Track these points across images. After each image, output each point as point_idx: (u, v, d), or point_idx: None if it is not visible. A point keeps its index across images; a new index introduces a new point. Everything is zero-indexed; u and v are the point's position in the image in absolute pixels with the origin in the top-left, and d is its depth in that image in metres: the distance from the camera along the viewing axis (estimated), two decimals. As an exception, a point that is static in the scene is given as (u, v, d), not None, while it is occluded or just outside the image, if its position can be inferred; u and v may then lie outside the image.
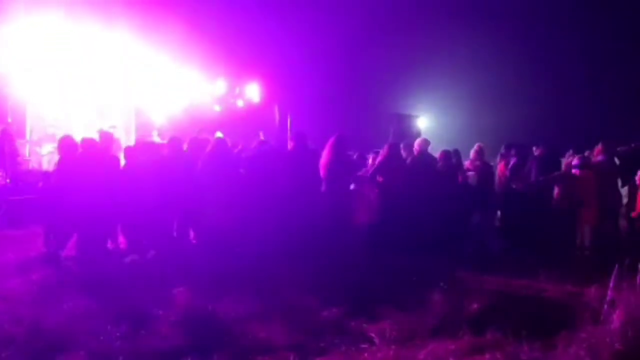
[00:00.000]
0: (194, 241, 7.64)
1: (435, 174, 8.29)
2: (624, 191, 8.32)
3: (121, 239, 7.45)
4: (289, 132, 13.31)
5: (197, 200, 7.16)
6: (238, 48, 17.18)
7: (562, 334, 3.93)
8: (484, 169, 8.83)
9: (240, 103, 15.92)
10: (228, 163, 7.53)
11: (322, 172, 7.61)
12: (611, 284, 4.18)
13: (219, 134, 9.98)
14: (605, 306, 4.08)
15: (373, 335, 4.03)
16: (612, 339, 3.75)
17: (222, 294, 5.31)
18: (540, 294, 5.46)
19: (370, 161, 9.15)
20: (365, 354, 3.75)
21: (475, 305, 4.93)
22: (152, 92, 13.80)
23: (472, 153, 9.01)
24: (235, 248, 7.17)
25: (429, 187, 7.96)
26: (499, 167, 9.02)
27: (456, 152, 9.18)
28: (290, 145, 7.98)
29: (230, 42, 16.97)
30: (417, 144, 8.72)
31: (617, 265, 4.27)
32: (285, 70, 19.02)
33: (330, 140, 7.78)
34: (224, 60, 15.95)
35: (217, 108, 15.57)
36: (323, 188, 7.65)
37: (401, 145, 8.67)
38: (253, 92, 15.97)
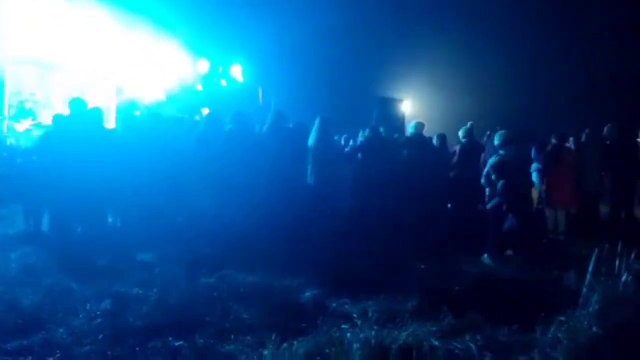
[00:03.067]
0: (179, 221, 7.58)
1: (431, 158, 8.34)
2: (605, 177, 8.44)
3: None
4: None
5: (185, 179, 7.08)
6: (222, 28, 16.97)
7: (541, 317, 3.97)
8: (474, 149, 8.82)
9: (223, 83, 15.77)
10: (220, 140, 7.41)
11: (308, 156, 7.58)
12: (590, 269, 4.23)
13: (206, 111, 9.86)
14: (585, 290, 4.13)
15: (355, 316, 4.04)
16: (590, 322, 3.80)
17: (203, 274, 5.30)
18: (520, 277, 5.52)
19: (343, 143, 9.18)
20: (347, 335, 3.75)
21: (456, 288, 4.99)
22: (133, 71, 13.59)
23: (461, 132, 9.00)
24: (218, 228, 7.12)
25: (422, 169, 8.00)
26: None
27: (441, 136, 9.22)
28: (266, 124, 7.88)
29: (214, 22, 16.74)
30: (411, 126, 8.77)
31: (596, 250, 4.32)
32: (269, 52, 18.84)
33: (316, 122, 7.73)
34: (207, 40, 15.76)
35: (200, 88, 15.40)
36: (308, 170, 7.62)
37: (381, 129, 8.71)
38: (237, 72, 15.82)
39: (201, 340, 3.76)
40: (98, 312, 4.34)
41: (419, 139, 8.62)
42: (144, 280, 5.10)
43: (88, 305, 4.47)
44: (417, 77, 21.55)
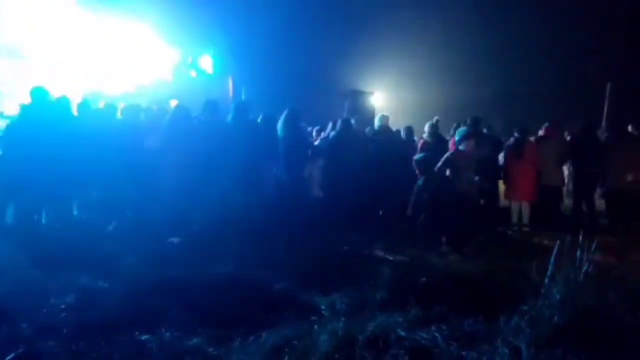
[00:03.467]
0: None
1: (398, 149, 8.42)
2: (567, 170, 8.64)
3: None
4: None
5: (152, 171, 6.99)
6: (191, 18, 16.72)
7: (504, 307, 4.06)
8: (438, 144, 8.94)
9: (193, 73, 15.56)
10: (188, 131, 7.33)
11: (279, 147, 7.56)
12: (552, 260, 4.33)
13: (174, 102, 9.71)
14: (546, 281, 4.23)
15: (323, 307, 4.06)
16: (552, 312, 3.90)
17: (170, 267, 5.25)
18: (484, 268, 5.62)
19: (314, 135, 9.17)
20: (315, 326, 3.77)
21: (422, 279, 5.05)
22: (100, 61, 13.29)
23: (427, 127, 9.10)
24: (186, 219, 7.07)
25: (390, 161, 8.07)
26: (450, 144, 9.18)
27: (408, 129, 9.32)
28: (229, 116, 7.83)
29: (184, 12, 16.49)
30: (378, 119, 8.83)
31: (558, 241, 4.42)
32: (240, 42, 18.67)
33: (284, 115, 7.71)
34: (176, 30, 15.51)
35: (170, 78, 15.17)
36: (279, 163, 7.60)
37: (353, 121, 8.74)
38: (206, 63, 15.63)
39: (167, 334, 3.73)
40: (62, 307, 4.26)
41: (384, 131, 8.69)
42: (111, 273, 5.03)
43: (52, 299, 4.40)
44: (387, 69, 21.67)
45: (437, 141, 8.81)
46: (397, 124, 9.99)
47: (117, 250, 5.91)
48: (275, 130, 7.59)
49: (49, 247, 6.04)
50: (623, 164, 7.71)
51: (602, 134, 8.78)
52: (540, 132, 8.81)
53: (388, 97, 18.70)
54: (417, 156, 7.36)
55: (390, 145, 8.39)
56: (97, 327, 3.88)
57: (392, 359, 3.42)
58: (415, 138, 9.75)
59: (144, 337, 3.69)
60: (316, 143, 8.74)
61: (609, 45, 22.26)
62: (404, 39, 23.04)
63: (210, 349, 3.55)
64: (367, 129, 9.15)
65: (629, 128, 8.65)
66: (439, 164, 6.99)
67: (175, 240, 6.46)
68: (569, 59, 22.92)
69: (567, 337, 3.64)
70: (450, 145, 9.04)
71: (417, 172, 7.07)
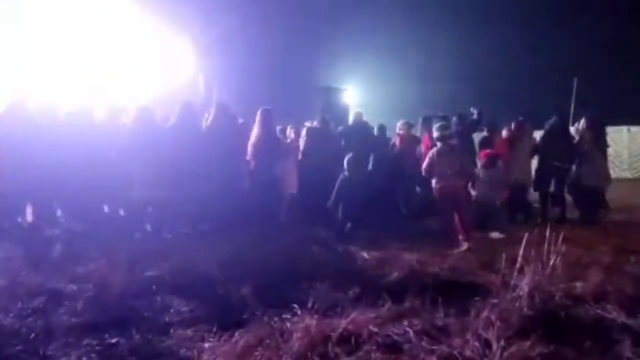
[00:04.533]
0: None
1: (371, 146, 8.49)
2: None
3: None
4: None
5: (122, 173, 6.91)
6: (163, 13, 16.48)
7: (475, 300, 4.12)
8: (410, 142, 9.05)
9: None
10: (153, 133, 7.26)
11: (252, 148, 7.55)
12: (520, 252, 4.41)
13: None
14: (515, 273, 4.31)
15: (295, 305, 4.06)
16: (520, 304, 3.98)
17: (141, 269, 5.20)
18: (455, 263, 5.69)
19: (292, 135, 9.15)
20: (288, 324, 3.77)
21: (395, 275, 5.10)
22: (63, 58, 12.97)
23: (399, 125, 9.17)
24: (157, 222, 7.01)
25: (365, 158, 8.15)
26: (424, 139, 9.25)
27: (381, 127, 9.38)
28: (210, 116, 7.80)
29: (153, 6, 16.24)
30: (352, 115, 8.89)
31: (526, 234, 4.51)
32: (210, 40, 18.48)
33: (258, 116, 7.69)
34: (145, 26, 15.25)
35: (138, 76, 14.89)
36: (252, 164, 7.58)
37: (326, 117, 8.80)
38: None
39: (138, 336, 3.69)
40: (30, 310, 4.18)
41: (357, 127, 8.74)
42: (81, 275, 4.96)
43: (20, 303, 4.31)
44: (359, 65, 21.73)
45: (411, 139, 8.96)
46: (370, 120, 10.04)
47: (91, 252, 5.83)
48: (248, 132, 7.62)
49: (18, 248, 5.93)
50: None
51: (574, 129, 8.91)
52: (508, 129, 8.94)
53: (361, 93, 18.74)
54: (347, 156, 7.61)
55: (361, 142, 8.43)
56: (65, 330, 3.81)
57: (365, 355, 3.44)
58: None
59: (113, 340, 3.64)
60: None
61: (575, 41, 22.73)
62: (377, 35, 23.16)
63: (182, 350, 3.52)
64: (340, 128, 9.20)
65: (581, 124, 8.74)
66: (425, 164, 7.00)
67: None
68: (536, 55, 23.33)
69: (536, 329, 3.72)
70: (424, 140, 9.15)
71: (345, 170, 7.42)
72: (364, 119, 9.24)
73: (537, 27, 23.47)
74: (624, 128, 17.63)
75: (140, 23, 14.30)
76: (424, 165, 6.94)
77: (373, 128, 9.39)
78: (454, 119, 9.04)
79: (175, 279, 4.93)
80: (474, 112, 9.03)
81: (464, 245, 6.39)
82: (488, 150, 8.11)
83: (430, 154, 6.95)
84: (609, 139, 9.45)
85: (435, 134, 6.94)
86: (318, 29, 23.01)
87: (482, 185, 7.46)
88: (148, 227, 7.20)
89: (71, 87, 12.15)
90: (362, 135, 8.62)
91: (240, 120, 8.00)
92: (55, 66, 12.47)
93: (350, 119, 8.87)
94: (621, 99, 19.77)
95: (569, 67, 17.74)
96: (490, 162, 7.64)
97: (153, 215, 7.20)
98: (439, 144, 6.84)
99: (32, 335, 3.74)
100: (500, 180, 7.81)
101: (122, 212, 7.44)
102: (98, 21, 12.98)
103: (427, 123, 8.81)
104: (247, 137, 7.60)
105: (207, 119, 7.76)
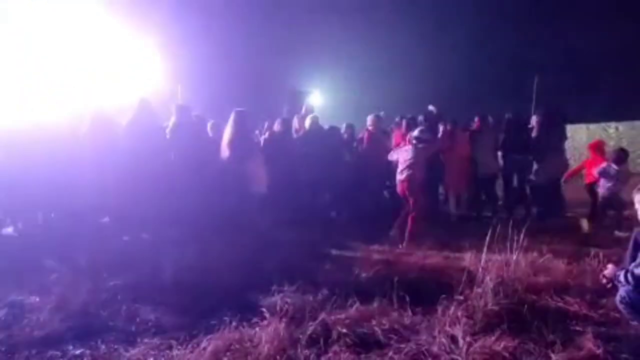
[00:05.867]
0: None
1: (326, 147, 8.51)
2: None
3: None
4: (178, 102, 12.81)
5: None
6: (130, 15, 16.22)
7: (441, 298, 4.18)
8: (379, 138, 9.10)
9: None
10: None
11: (225, 150, 7.49)
12: (485, 249, 4.50)
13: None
14: (480, 269, 4.39)
15: (264, 309, 4.04)
16: (485, 299, 4.06)
17: (107, 276, 5.11)
18: (422, 261, 5.76)
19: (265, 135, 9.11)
20: (256, 329, 3.76)
21: (363, 275, 5.13)
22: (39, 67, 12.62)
23: (369, 120, 9.19)
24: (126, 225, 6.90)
25: (320, 159, 8.17)
26: (395, 136, 9.32)
27: (349, 126, 9.41)
28: (172, 119, 7.72)
29: (121, 8, 15.96)
30: (308, 119, 8.86)
31: (490, 231, 4.59)
32: (176, 40, 18.28)
33: (231, 117, 7.63)
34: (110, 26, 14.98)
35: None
36: (227, 164, 7.52)
37: (295, 119, 8.80)
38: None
39: (103, 346, 3.62)
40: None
41: (314, 131, 8.74)
42: (43, 286, 4.84)
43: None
44: (325, 68, 21.82)
45: (381, 133, 9.13)
46: (336, 121, 10.08)
47: (52, 262, 5.68)
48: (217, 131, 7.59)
49: None
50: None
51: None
52: (473, 124, 9.08)
53: (327, 96, 18.81)
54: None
55: (319, 144, 8.48)
56: (29, 342, 3.72)
57: (334, 356, 3.45)
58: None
59: (78, 352, 3.56)
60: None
61: (536, 40, 23.31)
62: (343, 37, 23.28)
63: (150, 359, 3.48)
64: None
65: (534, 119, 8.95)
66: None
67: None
68: (499, 53, 23.81)
69: (501, 323, 3.80)
70: (394, 137, 9.22)
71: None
72: (320, 122, 9.20)
73: (500, 28, 23.96)
74: (583, 126, 18.12)
75: (106, 26, 14.03)
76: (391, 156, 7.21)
77: (337, 129, 9.37)
78: (420, 118, 9.13)
79: (141, 287, 4.85)
80: (434, 109, 9.15)
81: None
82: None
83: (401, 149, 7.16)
84: (569, 134, 9.66)
85: (415, 134, 7.00)
86: (285, 30, 23.04)
87: (610, 181, 7.44)
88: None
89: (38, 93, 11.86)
90: (317, 140, 8.62)
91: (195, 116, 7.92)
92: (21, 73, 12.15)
93: (307, 125, 8.83)
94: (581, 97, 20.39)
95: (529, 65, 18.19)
96: (619, 158, 7.64)
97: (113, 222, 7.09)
98: (415, 142, 6.90)
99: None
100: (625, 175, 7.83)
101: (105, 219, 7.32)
102: (67, 25, 12.64)
103: (410, 123, 8.83)
104: (211, 138, 7.57)
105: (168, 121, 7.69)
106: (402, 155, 6.94)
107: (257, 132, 9.32)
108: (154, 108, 7.43)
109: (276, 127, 8.63)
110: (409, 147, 6.95)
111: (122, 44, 14.70)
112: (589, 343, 3.56)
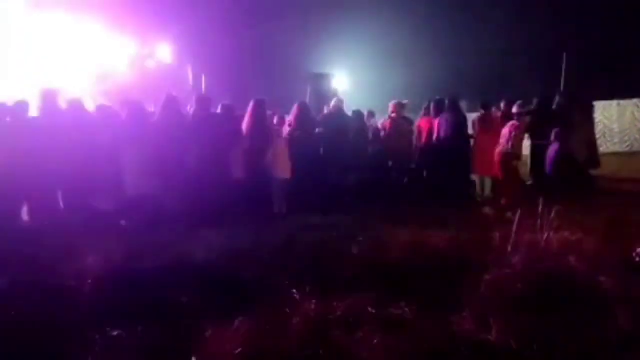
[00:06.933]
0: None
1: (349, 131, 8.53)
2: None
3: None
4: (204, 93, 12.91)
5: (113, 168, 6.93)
6: (147, 6, 16.35)
7: (470, 276, 4.17)
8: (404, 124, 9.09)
9: (150, 64, 15.23)
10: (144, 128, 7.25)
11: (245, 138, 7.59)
12: (514, 229, 4.47)
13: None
14: (509, 249, 4.36)
15: (294, 291, 4.09)
16: (515, 279, 4.04)
17: (141, 263, 5.20)
18: (450, 242, 5.73)
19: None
20: (287, 309, 3.81)
21: (393, 255, 5.13)
22: (52, 54, 12.84)
23: (391, 106, 9.15)
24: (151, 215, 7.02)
25: (341, 143, 8.19)
26: (422, 123, 9.24)
27: (370, 113, 9.41)
28: (191, 110, 7.84)
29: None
30: (333, 102, 8.88)
31: (519, 211, 4.56)
32: (197, 30, 18.37)
33: (250, 106, 7.71)
34: (131, 19, 15.11)
35: (126, 69, 14.78)
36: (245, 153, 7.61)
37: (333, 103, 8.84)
38: (164, 52, 15.33)
39: (140, 327, 3.71)
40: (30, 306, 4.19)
41: (336, 115, 8.74)
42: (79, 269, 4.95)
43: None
44: (348, 51, 21.65)
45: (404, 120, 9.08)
46: (360, 104, 10.06)
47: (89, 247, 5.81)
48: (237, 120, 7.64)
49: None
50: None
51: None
52: (500, 109, 8.97)
53: (351, 78, 18.70)
54: None
55: (339, 129, 8.46)
56: (69, 325, 3.83)
57: (365, 336, 3.48)
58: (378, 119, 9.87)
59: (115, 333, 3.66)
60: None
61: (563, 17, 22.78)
62: (366, 20, 23.08)
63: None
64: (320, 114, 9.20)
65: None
66: None
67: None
68: (526, 33, 23.35)
69: (531, 304, 3.78)
70: (422, 123, 9.16)
71: None
72: (344, 105, 9.18)
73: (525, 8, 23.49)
74: (614, 102, 17.65)
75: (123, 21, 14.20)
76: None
77: (360, 114, 9.35)
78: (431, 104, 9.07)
79: (174, 273, 4.93)
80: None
81: None
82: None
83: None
84: (598, 113, 9.50)
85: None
86: (306, 14, 22.92)
87: None
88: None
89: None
90: (337, 124, 8.60)
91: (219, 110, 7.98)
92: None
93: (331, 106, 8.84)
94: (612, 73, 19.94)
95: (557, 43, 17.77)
96: None
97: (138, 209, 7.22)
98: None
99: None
100: None
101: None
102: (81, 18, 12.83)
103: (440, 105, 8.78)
104: (234, 128, 7.63)
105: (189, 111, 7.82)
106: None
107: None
108: (179, 102, 7.58)
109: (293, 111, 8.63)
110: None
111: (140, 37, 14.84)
112: (622, 321, 3.52)
